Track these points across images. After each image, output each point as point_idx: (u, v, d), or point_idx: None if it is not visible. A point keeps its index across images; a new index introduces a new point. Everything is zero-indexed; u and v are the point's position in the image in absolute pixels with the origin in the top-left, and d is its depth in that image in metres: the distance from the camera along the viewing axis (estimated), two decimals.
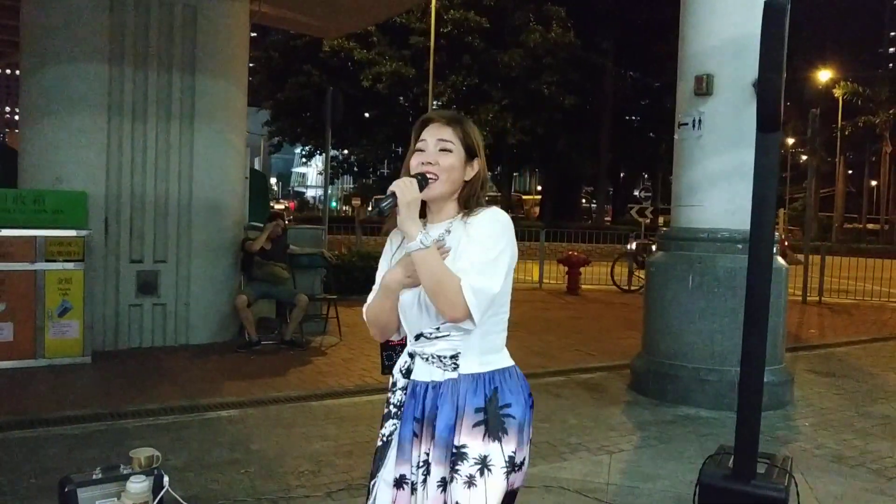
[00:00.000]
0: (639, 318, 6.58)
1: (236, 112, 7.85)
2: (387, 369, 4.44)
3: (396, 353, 4.66)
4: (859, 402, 6.10)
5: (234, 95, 7.75)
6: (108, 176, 6.92)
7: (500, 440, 1.82)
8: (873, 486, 4.18)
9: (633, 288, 13.92)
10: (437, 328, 1.86)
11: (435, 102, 29.12)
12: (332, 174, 39.19)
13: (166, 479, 3.37)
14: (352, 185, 64.15)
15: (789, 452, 4.69)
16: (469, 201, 1.92)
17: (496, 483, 1.80)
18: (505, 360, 1.94)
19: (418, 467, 1.86)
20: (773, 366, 5.78)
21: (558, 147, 31.96)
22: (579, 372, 6.88)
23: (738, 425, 2.54)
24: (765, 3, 2.22)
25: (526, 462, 1.91)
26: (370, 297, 2.00)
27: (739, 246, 5.59)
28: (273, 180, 66.42)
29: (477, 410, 1.82)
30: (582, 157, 33.67)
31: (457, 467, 1.79)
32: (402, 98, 32.31)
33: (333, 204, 55.40)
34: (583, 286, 14.04)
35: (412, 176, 1.87)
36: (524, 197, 49.16)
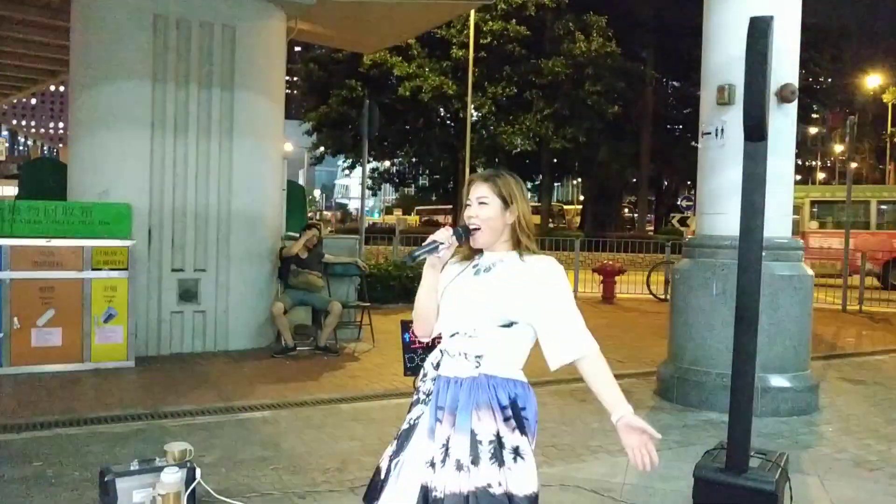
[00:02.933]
0: None
1: (273, 126, 8.14)
2: (408, 371, 4.63)
3: (418, 355, 4.86)
4: (887, 409, 6.08)
5: (271, 110, 8.05)
6: (152, 188, 7.23)
7: (526, 435, 2.09)
8: (891, 489, 4.21)
9: (669, 297, 13.85)
10: (475, 329, 2.14)
11: (475, 114, 29.31)
12: (374, 185, 39.66)
13: (198, 471, 3.60)
14: (394, 196, 64.69)
15: (809, 456, 4.75)
16: (518, 240, 2.22)
17: (530, 468, 2.06)
18: (521, 375, 2.18)
19: (440, 449, 2.09)
20: (798, 371, 5.81)
21: (599, 156, 31.88)
22: None
23: (730, 420, 2.64)
24: (749, 20, 2.33)
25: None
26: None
27: (763, 254, 5.62)
28: (317, 192, 67.24)
29: (503, 407, 2.09)
30: (623, 167, 33.51)
31: (497, 454, 2.04)
32: (442, 109, 32.57)
33: (376, 215, 55.94)
34: (619, 295, 14.05)
35: (457, 229, 2.22)
36: (566, 207, 48.96)
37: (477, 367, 2.11)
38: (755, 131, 2.60)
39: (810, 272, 6.05)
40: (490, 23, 28.61)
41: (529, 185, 35.69)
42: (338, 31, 10.48)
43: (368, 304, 8.52)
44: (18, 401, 5.61)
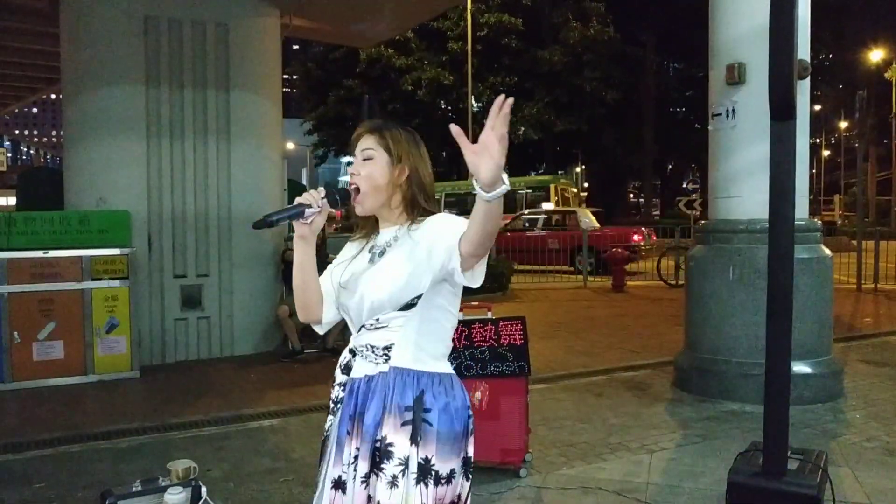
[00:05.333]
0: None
1: (271, 126, 7.97)
2: None
3: None
4: None
5: (268, 109, 7.88)
6: (150, 194, 7.08)
7: (417, 444, 1.78)
8: None
9: (680, 283, 13.67)
10: (377, 319, 1.87)
11: (476, 105, 29.12)
12: None
13: (204, 490, 3.44)
14: None
15: (838, 446, 4.57)
16: (411, 204, 1.92)
17: (412, 487, 1.76)
18: (442, 367, 1.89)
19: (349, 465, 1.84)
20: (821, 357, 5.63)
21: (602, 142, 31.71)
22: (622, 370, 6.79)
23: (765, 421, 2.47)
24: None
25: (456, 476, 1.83)
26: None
27: None
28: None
29: (406, 409, 1.80)
30: (627, 152, 33.35)
31: (382, 465, 1.77)
32: (442, 102, 32.41)
33: None
34: (629, 283, 13.86)
35: (332, 193, 1.89)
36: None
37: (386, 360, 1.83)
38: (783, 110, 2.43)
39: (829, 253, 5.87)
40: (486, 15, 28.42)
41: (533, 174, 35.54)
42: (333, 25, 10.31)
43: None
44: (20, 418, 5.49)
